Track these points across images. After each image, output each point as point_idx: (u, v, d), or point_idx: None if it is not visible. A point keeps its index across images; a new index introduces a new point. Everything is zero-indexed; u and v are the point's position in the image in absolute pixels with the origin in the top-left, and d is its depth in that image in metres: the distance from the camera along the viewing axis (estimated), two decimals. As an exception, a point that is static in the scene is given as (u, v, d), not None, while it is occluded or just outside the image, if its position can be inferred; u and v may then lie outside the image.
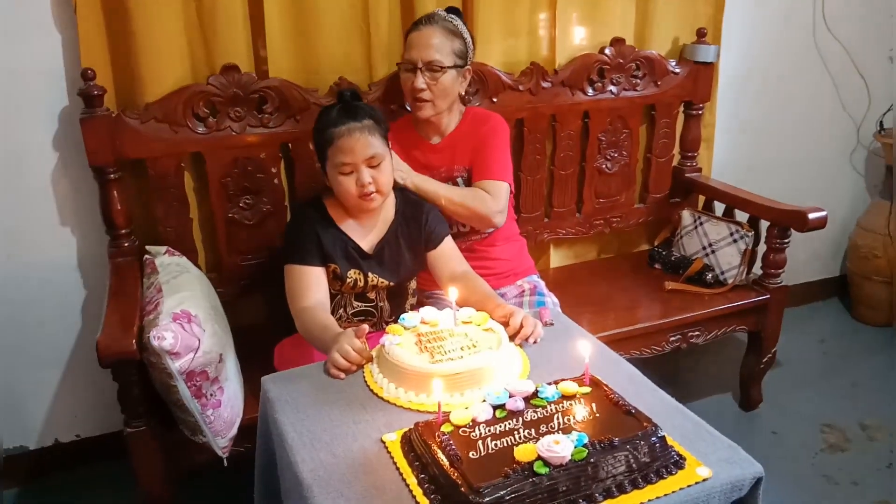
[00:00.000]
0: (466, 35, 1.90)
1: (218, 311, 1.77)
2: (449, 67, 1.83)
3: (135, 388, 1.59)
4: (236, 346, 1.78)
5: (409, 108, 2.05)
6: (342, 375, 1.40)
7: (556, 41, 2.25)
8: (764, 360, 2.37)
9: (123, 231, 1.88)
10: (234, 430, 1.65)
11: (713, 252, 2.35)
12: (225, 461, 1.66)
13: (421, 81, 1.82)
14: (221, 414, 1.60)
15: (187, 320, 1.54)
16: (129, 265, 1.85)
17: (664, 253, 2.46)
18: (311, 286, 1.64)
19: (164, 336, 1.47)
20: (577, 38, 2.30)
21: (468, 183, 1.94)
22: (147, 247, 1.89)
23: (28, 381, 2.06)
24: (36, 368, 2.06)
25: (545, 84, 2.24)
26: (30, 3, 1.77)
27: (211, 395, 1.58)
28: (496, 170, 1.89)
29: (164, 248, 1.88)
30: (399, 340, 1.37)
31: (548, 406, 1.18)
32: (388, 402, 1.31)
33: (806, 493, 2.04)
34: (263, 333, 1.94)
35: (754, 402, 2.44)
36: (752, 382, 2.42)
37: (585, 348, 1.24)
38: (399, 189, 1.77)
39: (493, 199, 1.86)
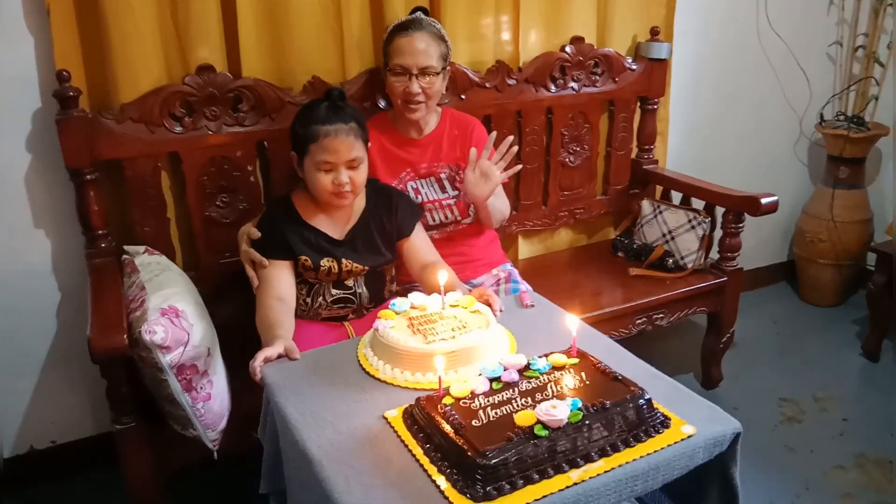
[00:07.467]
0: (447, 38, 1.96)
1: (202, 308, 1.79)
2: (440, 71, 1.90)
3: (124, 385, 1.60)
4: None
5: (381, 107, 2.11)
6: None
7: (520, 40, 2.33)
8: (723, 341, 2.50)
9: (100, 232, 1.87)
10: (224, 423, 1.67)
11: (673, 239, 2.46)
12: (215, 454, 1.68)
13: (416, 86, 1.87)
14: (212, 407, 1.62)
15: (175, 315, 1.56)
16: (108, 265, 1.84)
17: (626, 241, 2.57)
18: (274, 279, 1.73)
19: (156, 330, 1.48)
20: (540, 37, 2.38)
21: (451, 180, 2.00)
22: (125, 247, 1.89)
23: (0, 389, 2.03)
24: (8, 375, 2.02)
25: (510, 81, 2.31)
26: (1, 6, 1.76)
27: (201, 388, 1.59)
28: None
29: (142, 248, 1.89)
30: (392, 324, 1.42)
31: (540, 377, 1.25)
32: (384, 382, 1.36)
33: (769, 463, 2.17)
34: (243, 329, 1.95)
35: (715, 380, 2.56)
36: (713, 362, 2.55)
37: (573, 323, 1.32)
38: (369, 179, 1.80)
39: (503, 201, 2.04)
